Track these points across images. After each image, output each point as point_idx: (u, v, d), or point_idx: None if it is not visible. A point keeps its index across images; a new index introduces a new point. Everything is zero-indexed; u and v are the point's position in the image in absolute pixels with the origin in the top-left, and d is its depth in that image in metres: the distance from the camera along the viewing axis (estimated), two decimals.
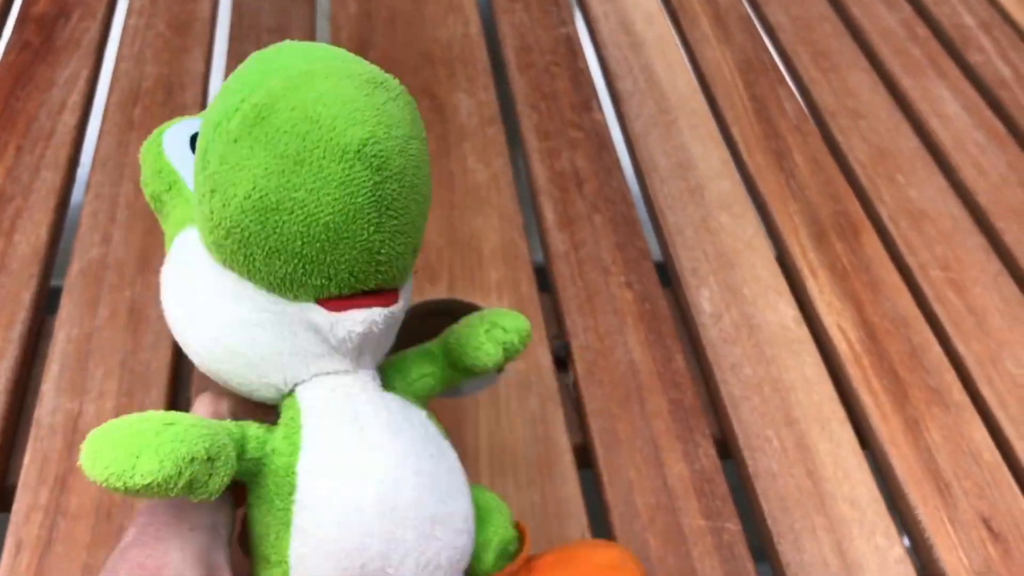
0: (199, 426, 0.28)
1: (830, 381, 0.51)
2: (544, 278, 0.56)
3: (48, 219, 0.56)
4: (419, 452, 0.31)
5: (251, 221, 0.27)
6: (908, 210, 0.62)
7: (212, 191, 0.28)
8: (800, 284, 0.57)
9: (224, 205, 0.27)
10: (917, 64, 0.73)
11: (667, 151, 0.64)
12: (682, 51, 0.74)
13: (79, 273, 0.53)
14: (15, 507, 0.43)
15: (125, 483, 0.26)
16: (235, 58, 0.69)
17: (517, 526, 0.36)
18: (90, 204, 0.57)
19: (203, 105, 0.65)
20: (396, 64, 0.69)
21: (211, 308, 0.31)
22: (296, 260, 0.28)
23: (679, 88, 0.70)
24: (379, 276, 0.30)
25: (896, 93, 0.71)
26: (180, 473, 0.26)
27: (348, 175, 0.27)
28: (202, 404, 0.33)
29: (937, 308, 0.56)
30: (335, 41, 0.71)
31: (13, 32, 0.69)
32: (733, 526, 0.45)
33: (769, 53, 0.74)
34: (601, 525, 0.46)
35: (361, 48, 0.70)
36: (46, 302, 0.53)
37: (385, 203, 0.28)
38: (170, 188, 0.33)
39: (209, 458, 0.27)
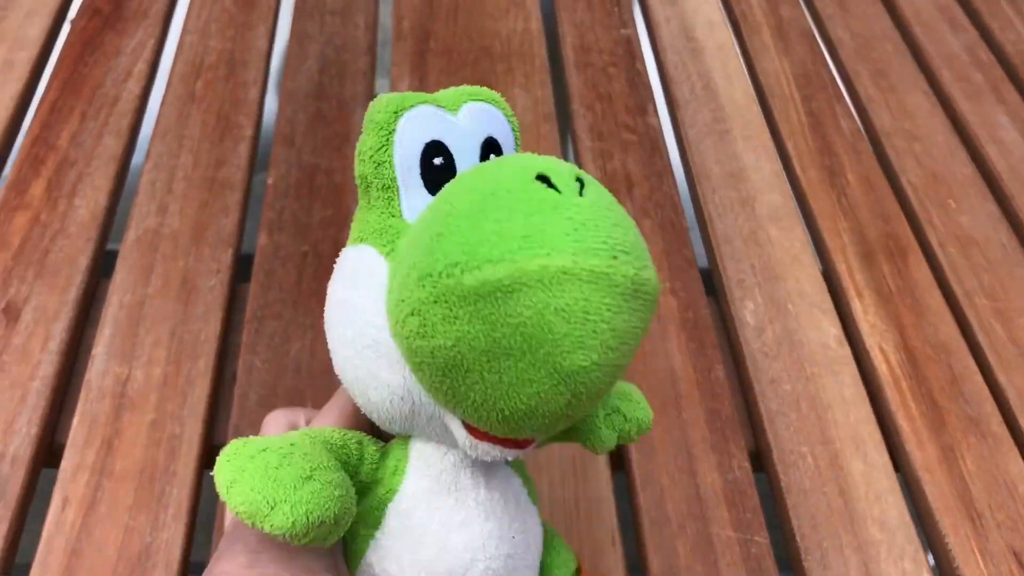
0: (333, 485, 0.27)
1: (868, 402, 0.52)
2: None
3: (108, 185, 0.57)
4: (502, 534, 0.31)
5: (437, 361, 0.26)
6: (958, 236, 0.61)
7: (412, 313, 0.25)
8: (844, 303, 0.57)
9: (419, 334, 0.25)
10: (978, 89, 0.73)
11: (720, 160, 0.64)
12: (741, 61, 0.73)
13: (135, 241, 0.54)
14: (63, 465, 0.45)
15: (254, 522, 0.26)
16: (297, 38, 0.70)
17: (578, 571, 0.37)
18: (148, 173, 0.58)
19: (263, 85, 0.66)
20: (455, 55, 0.70)
21: (367, 357, 0.29)
22: (462, 404, 0.27)
23: (736, 98, 0.69)
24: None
25: (954, 117, 0.70)
26: (307, 533, 0.26)
27: (548, 390, 0.25)
28: (320, 415, 0.33)
29: (980, 337, 0.55)
30: (397, 29, 0.71)
31: None
32: (762, 539, 0.45)
33: (828, 68, 0.73)
34: (631, 529, 0.46)
35: (422, 38, 0.71)
36: (102, 265, 0.55)
37: (572, 408, 0.26)
38: (383, 188, 0.30)
39: (336, 521, 0.27)
